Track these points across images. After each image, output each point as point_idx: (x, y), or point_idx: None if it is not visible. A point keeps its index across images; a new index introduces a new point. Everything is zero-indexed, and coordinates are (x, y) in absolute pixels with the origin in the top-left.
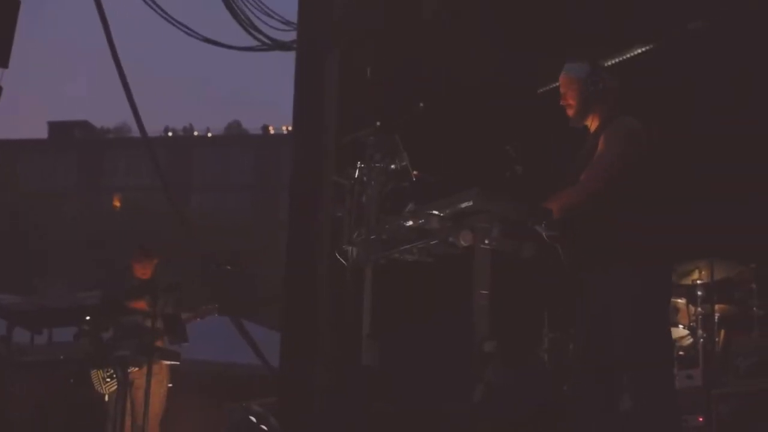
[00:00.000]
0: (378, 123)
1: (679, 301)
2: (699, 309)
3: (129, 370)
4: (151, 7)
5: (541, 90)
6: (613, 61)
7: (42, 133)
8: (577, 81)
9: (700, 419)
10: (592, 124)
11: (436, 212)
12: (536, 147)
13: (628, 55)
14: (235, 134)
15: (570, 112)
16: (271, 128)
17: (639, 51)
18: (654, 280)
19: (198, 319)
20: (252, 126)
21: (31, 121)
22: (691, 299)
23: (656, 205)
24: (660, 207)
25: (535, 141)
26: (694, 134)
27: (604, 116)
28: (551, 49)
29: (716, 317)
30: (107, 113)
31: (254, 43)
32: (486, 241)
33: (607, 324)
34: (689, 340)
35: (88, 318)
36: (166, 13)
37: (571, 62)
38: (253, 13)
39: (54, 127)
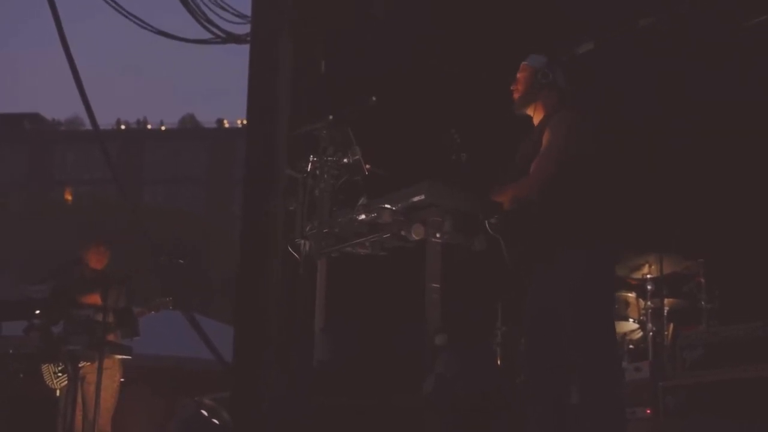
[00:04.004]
0: (331, 116)
1: (629, 295)
2: (649, 303)
3: (80, 365)
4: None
5: (495, 84)
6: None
7: None
8: (530, 69)
9: (648, 411)
10: (536, 115)
11: (388, 206)
12: (481, 135)
13: (579, 52)
14: (189, 128)
15: (515, 95)
16: (225, 122)
17: (590, 47)
18: (600, 276)
19: (151, 313)
20: (206, 119)
21: None
22: (641, 293)
23: (602, 197)
24: (606, 198)
25: (479, 129)
26: (645, 129)
27: (549, 109)
28: (503, 44)
29: (665, 311)
30: (59, 105)
31: (208, 35)
32: (438, 235)
33: (553, 316)
34: (639, 334)
35: (38, 312)
36: (118, 5)
37: (536, 54)
38: (206, 5)
39: (4, 119)
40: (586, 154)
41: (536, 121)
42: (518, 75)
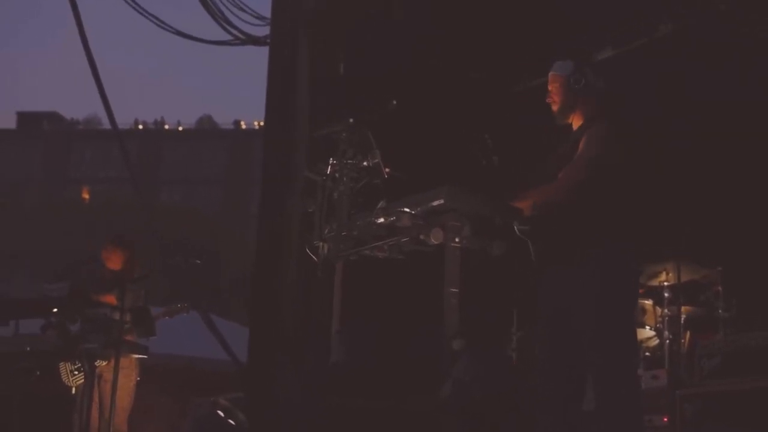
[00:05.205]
0: (350, 119)
1: (646, 302)
2: (665, 310)
3: (96, 364)
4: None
5: (517, 89)
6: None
7: (11, 123)
8: (561, 78)
9: (665, 419)
10: (575, 122)
11: (407, 210)
12: (513, 140)
13: (600, 58)
14: (206, 128)
15: (554, 108)
16: (242, 123)
17: (610, 54)
18: (620, 283)
19: (166, 318)
20: (224, 120)
21: (0, 111)
22: (658, 301)
23: (629, 205)
24: (632, 207)
25: (511, 135)
26: (668, 137)
27: (588, 115)
28: (526, 48)
29: (682, 319)
30: (77, 105)
31: (227, 37)
32: (457, 239)
33: (571, 324)
34: (655, 341)
35: (55, 310)
36: (137, 5)
37: (560, 60)
38: (226, 6)
39: (23, 117)
40: (616, 166)
41: (575, 126)
42: (550, 87)
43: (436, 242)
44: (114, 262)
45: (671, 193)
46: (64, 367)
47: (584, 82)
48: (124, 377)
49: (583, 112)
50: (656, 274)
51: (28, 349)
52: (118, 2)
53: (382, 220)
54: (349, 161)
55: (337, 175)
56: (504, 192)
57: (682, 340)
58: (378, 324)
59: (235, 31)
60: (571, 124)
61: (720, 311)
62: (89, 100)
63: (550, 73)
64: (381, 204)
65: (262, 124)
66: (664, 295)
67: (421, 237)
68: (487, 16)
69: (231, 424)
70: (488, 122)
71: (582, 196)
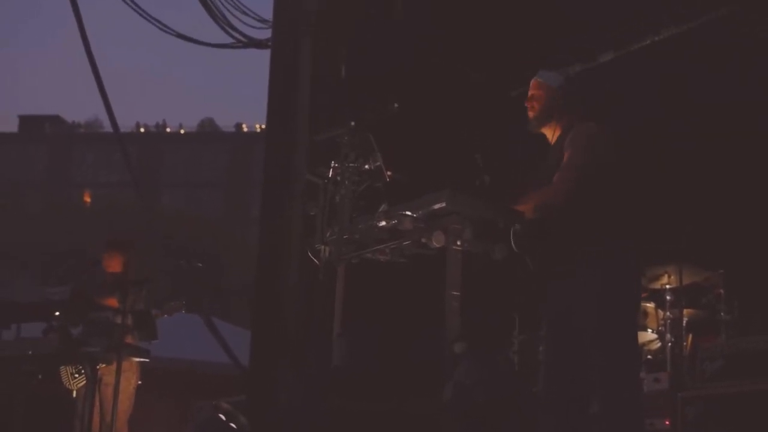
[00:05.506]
0: (352, 123)
1: (648, 305)
2: (667, 313)
3: (98, 367)
4: (125, 2)
5: (515, 93)
6: (582, 69)
7: (13, 126)
8: (548, 88)
9: (667, 422)
10: (554, 132)
11: (408, 213)
12: (504, 156)
13: (599, 62)
14: (208, 131)
15: (531, 114)
16: (244, 126)
17: (609, 58)
18: (621, 282)
19: (165, 316)
20: (225, 123)
21: (2, 114)
22: (660, 304)
23: (626, 203)
24: (629, 209)
25: (503, 149)
26: (669, 138)
27: (567, 125)
28: (524, 52)
29: (684, 322)
30: (78, 107)
31: (229, 40)
32: (458, 243)
33: (573, 325)
34: (657, 344)
35: (57, 313)
36: (140, 8)
37: (546, 71)
38: (228, 10)
39: (25, 120)
40: (607, 163)
41: (553, 138)
42: (534, 92)
43: (437, 245)
44: (114, 265)
45: (673, 195)
46: (65, 371)
47: (570, 98)
48: (124, 380)
49: (562, 126)
50: (658, 277)
51: (30, 352)
52: (120, 2)
53: (383, 223)
54: (350, 164)
55: (338, 178)
56: (504, 196)
57: (684, 343)
58: (380, 327)
59: (237, 34)
60: (544, 134)
61: (722, 314)
62: (91, 102)
63: (535, 80)
64: (383, 207)
65: (263, 127)
66: (665, 298)
67: (423, 240)
68: (487, 16)
69: (232, 427)
70: (489, 123)
71: (579, 196)
